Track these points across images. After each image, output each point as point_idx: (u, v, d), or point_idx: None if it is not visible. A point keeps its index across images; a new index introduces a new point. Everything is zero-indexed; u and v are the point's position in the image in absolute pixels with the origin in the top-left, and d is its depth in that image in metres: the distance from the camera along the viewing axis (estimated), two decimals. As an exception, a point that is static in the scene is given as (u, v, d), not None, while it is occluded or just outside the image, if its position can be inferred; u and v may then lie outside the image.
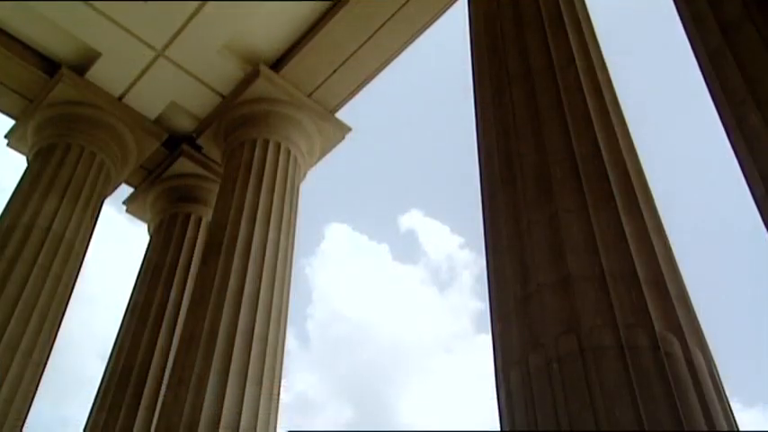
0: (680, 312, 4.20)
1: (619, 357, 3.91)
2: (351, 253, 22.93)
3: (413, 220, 23.40)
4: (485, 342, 4.62)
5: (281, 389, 7.38)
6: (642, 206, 4.75)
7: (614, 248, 4.43)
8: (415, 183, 22.40)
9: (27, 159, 9.60)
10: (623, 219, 4.59)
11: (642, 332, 4.01)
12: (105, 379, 8.70)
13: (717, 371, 4.09)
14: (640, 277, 4.28)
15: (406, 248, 23.39)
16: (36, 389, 7.70)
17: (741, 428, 3.87)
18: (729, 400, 4.04)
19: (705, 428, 3.64)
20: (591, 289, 4.25)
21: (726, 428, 3.73)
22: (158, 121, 10.16)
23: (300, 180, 9.55)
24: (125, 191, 10.79)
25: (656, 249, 4.51)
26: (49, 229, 8.44)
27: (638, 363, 3.87)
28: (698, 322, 4.31)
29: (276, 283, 7.95)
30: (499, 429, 4.26)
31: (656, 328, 4.03)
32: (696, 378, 3.87)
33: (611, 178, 4.82)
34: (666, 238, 4.72)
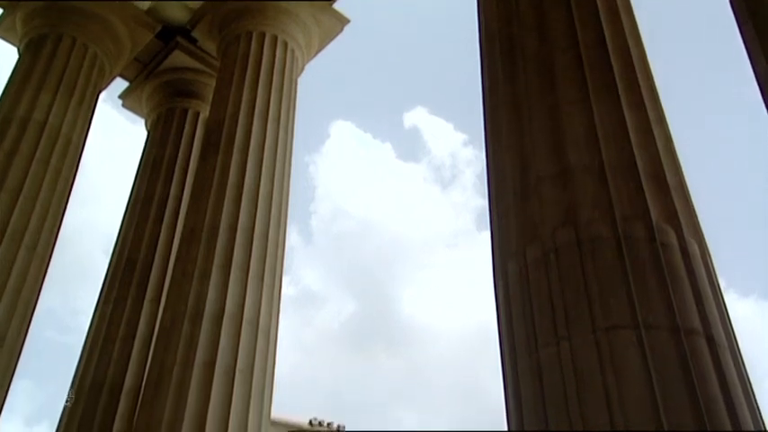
0: (678, 204, 4.21)
1: (615, 248, 3.95)
2: (355, 151, 22.88)
3: (417, 117, 23.20)
4: (486, 239, 4.64)
5: (282, 281, 7.53)
6: (645, 97, 4.66)
7: (615, 140, 4.38)
8: (420, 79, 22.04)
9: (18, 50, 9.37)
10: (625, 110, 4.51)
11: (639, 224, 4.03)
12: (109, 273, 8.83)
13: (711, 261, 4.13)
14: (640, 169, 4.25)
15: (410, 146, 23.31)
16: (42, 281, 7.83)
17: (733, 317, 3.95)
18: (726, 291, 4.11)
19: (696, 314, 3.72)
20: (590, 181, 4.23)
21: (716, 314, 3.81)
22: (151, 11, 9.83)
23: (298, 74, 9.34)
24: (121, 87, 10.60)
25: (657, 141, 4.46)
26: (45, 122, 8.34)
27: (634, 253, 3.91)
28: (695, 213, 4.32)
29: (276, 177, 7.93)
30: (497, 334, 4.32)
31: (654, 219, 4.05)
32: (690, 267, 3.91)
33: (615, 68, 4.70)
34: (668, 130, 4.66)
